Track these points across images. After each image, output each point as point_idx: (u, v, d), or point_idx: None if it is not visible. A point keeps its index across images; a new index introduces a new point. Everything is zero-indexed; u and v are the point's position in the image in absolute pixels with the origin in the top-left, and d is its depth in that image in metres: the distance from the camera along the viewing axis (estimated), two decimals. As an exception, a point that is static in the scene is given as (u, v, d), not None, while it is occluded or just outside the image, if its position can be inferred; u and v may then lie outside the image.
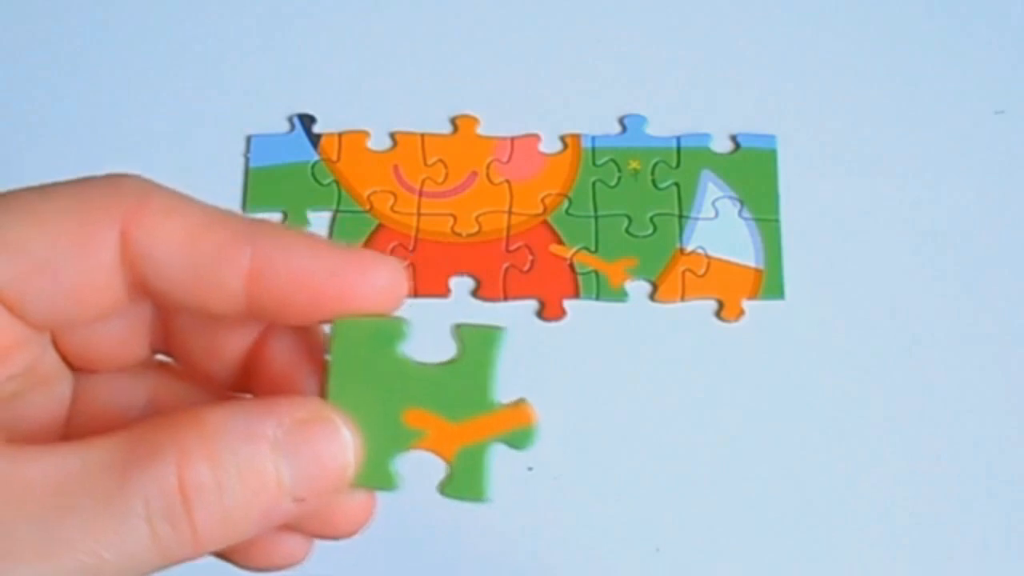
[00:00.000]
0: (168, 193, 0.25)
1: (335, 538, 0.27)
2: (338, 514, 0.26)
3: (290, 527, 0.26)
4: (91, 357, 0.26)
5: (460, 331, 0.26)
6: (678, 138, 0.52)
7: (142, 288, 0.24)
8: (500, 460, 0.48)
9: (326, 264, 0.24)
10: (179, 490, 0.22)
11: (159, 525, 0.22)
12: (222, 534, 0.23)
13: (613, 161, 0.52)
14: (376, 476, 0.26)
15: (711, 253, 0.51)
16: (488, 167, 0.52)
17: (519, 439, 0.27)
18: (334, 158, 0.52)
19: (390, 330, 0.25)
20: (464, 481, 0.27)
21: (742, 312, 0.50)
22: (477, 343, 0.26)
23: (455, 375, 0.26)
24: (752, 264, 0.50)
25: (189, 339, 0.26)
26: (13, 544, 0.21)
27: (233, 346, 0.26)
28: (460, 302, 0.50)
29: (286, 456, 0.23)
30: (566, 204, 0.51)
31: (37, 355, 0.25)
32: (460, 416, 0.26)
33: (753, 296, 0.50)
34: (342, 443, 0.24)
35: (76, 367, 0.27)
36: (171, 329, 0.26)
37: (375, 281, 0.25)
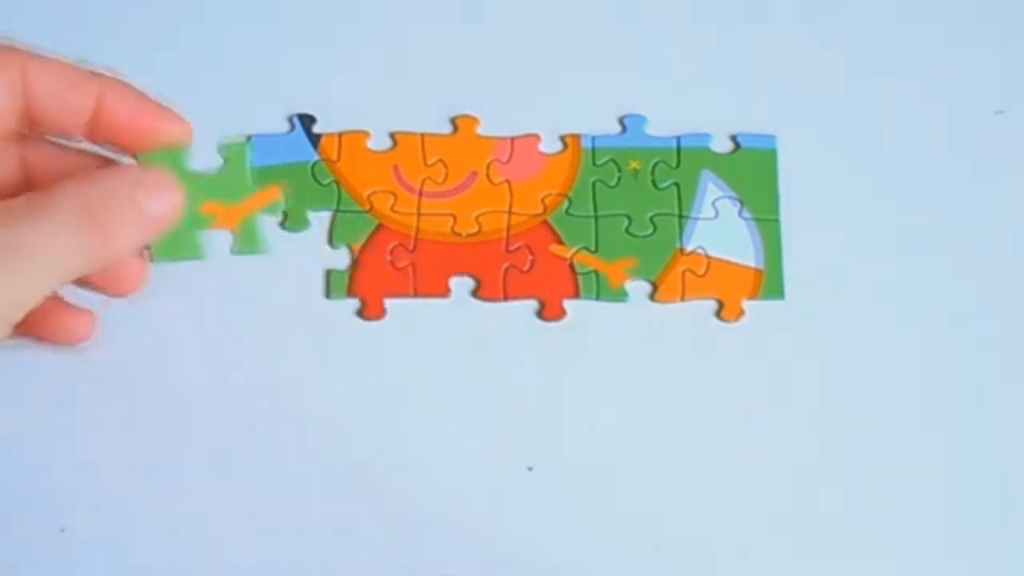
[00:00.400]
0: (43, 52, 0.39)
1: (121, 295, 0.43)
2: (126, 274, 0.42)
3: (89, 282, 0.41)
4: None
5: (221, 147, 0.42)
6: (678, 138, 0.52)
7: (23, 113, 0.38)
8: (500, 460, 0.48)
9: (145, 108, 0.40)
10: (83, 203, 0.36)
11: (77, 227, 0.36)
12: (116, 237, 0.37)
13: (613, 161, 0.52)
14: (187, 247, 0.41)
15: (711, 253, 0.51)
16: (488, 167, 0.52)
17: (275, 208, 0.43)
18: (334, 158, 0.52)
19: (181, 154, 0.41)
20: (246, 240, 0.42)
21: (742, 312, 0.50)
22: (235, 152, 0.42)
23: (226, 175, 0.42)
24: (752, 264, 0.50)
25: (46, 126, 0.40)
26: None
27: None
28: (460, 302, 0.50)
29: (141, 186, 0.38)
30: (566, 204, 0.51)
31: None
32: (234, 199, 0.42)
33: (753, 296, 0.50)
34: (170, 176, 0.40)
35: None
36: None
37: (169, 128, 0.41)
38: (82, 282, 0.41)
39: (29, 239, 0.34)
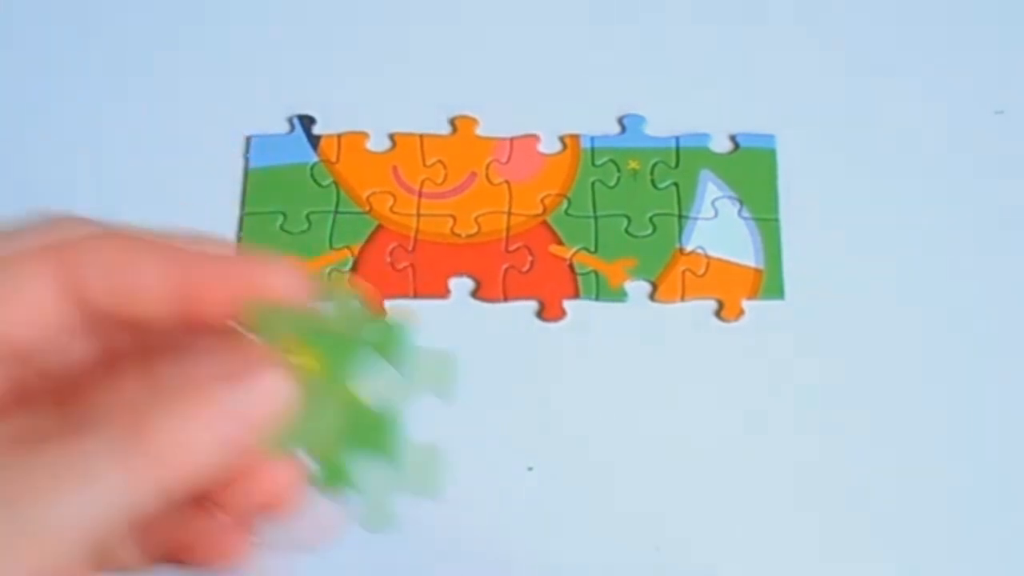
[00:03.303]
0: (94, 221, 0.28)
1: (305, 549, 0.30)
2: (267, 491, 0.28)
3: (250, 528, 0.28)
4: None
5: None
6: (677, 138, 0.52)
7: (78, 306, 0.27)
8: (500, 460, 0.48)
9: (237, 267, 0.27)
10: (132, 416, 0.24)
11: (122, 448, 0.24)
12: (179, 455, 0.24)
13: (612, 161, 0.52)
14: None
15: (711, 253, 0.51)
16: (487, 168, 0.52)
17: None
18: (333, 159, 0.52)
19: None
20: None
21: (742, 312, 0.50)
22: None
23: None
24: (752, 264, 0.50)
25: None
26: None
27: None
28: (460, 303, 0.50)
29: (223, 379, 0.25)
30: (565, 204, 0.51)
31: None
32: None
33: (753, 296, 0.50)
34: (272, 364, 0.26)
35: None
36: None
37: (277, 280, 0.27)
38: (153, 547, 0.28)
39: (35, 488, 0.23)
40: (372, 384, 0.27)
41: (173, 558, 0.28)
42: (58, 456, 0.23)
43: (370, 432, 0.27)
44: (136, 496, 0.24)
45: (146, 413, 0.24)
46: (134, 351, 0.28)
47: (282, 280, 0.27)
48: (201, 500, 0.28)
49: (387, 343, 0.28)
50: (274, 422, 0.26)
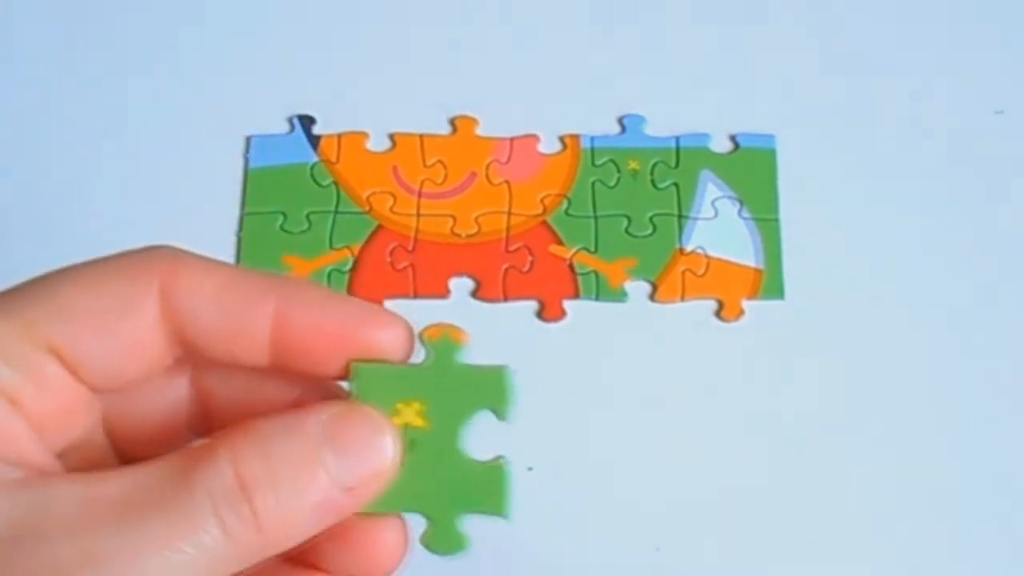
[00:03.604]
0: (198, 256, 0.27)
1: None
2: (374, 551, 0.28)
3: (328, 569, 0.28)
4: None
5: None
6: (677, 138, 0.52)
7: (180, 342, 0.27)
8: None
9: (343, 317, 0.27)
10: (236, 481, 0.24)
11: (225, 515, 0.24)
12: (282, 523, 0.25)
13: (612, 161, 0.52)
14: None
15: (711, 253, 0.51)
16: (487, 168, 0.52)
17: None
18: (333, 159, 0.52)
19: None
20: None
21: (742, 312, 0.50)
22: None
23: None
24: (752, 264, 0.50)
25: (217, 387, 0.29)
26: (98, 554, 0.23)
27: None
28: (460, 303, 0.50)
29: (329, 444, 0.25)
30: (565, 204, 0.51)
31: (96, 420, 0.28)
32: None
33: (753, 296, 0.50)
34: (379, 428, 0.26)
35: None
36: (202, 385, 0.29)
37: (385, 336, 0.27)
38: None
39: (124, 559, 0.24)
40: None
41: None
42: (164, 524, 0.24)
43: (480, 490, 0.28)
44: (235, 563, 0.25)
45: (254, 487, 0.24)
46: (226, 396, 0.29)
47: (390, 336, 0.27)
48: (298, 560, 0.28)
49: (491, 392, 0.28)
50: (381, 487, 0.26)
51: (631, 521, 0.46)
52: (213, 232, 0.46)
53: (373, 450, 0.26)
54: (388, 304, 0.50)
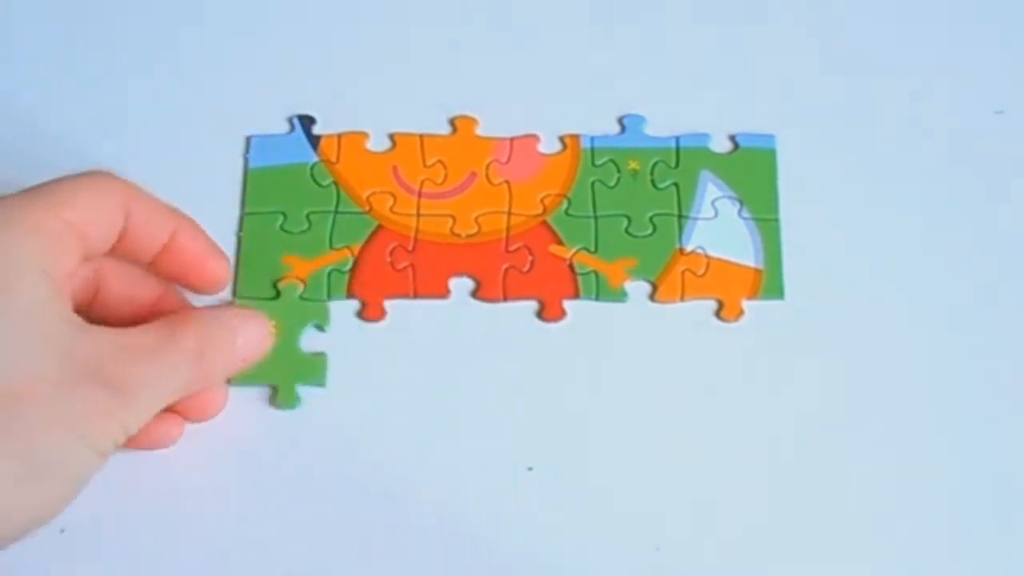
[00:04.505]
0: (141, 189, 0.44)
1: (202, 420, 0.46)
2: (212, 400, 0.46)
3: (176, 412, 0.45)
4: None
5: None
6: (677, 138, 0.52)
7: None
8: (500, 460, 0.48)
9: (207, 253, 0.46)
10: (196, 344, 0.42)
11: (191, 361, 0.42)
12: (213, 371, 0.44)
13: (612, 161, 0.52)
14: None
15: (711, 253, 0.51)
16: (487, 168, 0.52)
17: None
18: (333, 159, 0.52)
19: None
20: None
21: (742, 312, 0.50)
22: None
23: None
24: (752, 264, 0.50)
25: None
26: (134, 375, 0.40)
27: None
28: (460, 303, 0.50)
29: (241, 332, 0.45)
30: (565, 204, 0.51)
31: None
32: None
33: (753, 296, 0.50)
34: (266, 329, 0.47)
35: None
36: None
37: (216, 265, 0.47)
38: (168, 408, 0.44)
39: (147, 379, 0.40)
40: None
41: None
42: (158, 365, 0.41)
43: (309, 370, 0.48)
44: (191, 387, 0.43)
45: (205, 348, 0.42)
46: (115, 279, 0.45)
47: (220, 266, 0.47)
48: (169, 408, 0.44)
49: (316, 314, 0.49)
50: (254, 363, 0.46)
51: (631, 521, 0.46)
52: (213, 232, 0.46)
53: (262, 340, 0.46)
54: (388, 304, 0.50)
